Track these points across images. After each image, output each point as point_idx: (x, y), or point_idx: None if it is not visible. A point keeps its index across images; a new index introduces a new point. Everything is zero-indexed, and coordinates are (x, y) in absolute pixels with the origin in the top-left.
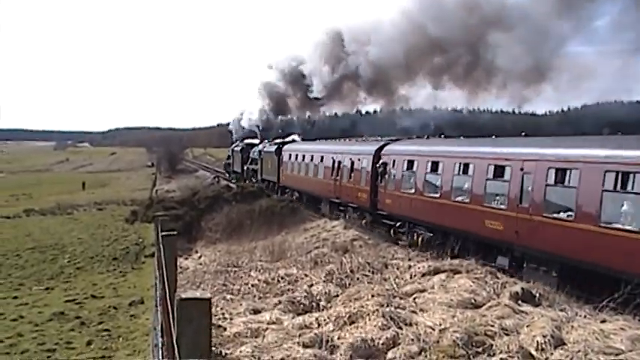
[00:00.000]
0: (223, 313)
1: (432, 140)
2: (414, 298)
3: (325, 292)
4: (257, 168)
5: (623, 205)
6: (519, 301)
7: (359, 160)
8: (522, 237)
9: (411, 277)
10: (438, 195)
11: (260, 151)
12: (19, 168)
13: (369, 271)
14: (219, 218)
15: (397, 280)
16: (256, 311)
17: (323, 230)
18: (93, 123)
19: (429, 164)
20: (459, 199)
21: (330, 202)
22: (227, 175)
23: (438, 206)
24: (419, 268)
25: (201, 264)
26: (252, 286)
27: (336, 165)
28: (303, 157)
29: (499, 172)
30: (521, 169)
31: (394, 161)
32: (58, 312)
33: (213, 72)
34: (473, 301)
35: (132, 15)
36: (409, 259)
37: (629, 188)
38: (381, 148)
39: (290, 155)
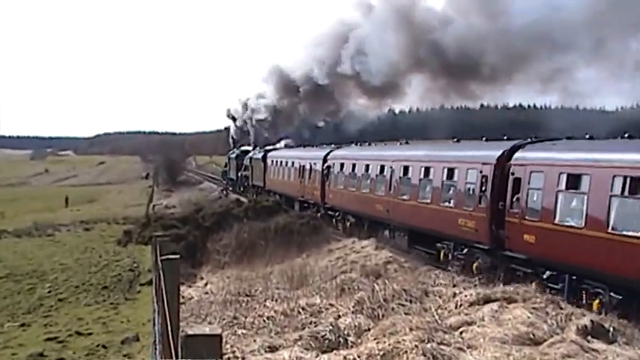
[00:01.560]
0: (234, 351)
1: (361, 147)
2: (461, 333)
3: (354, 326)
4: (249, 174)
5: None
6: (589, 337)
7: (315, 163)
8: None
9: (456, 307)
10: (354, 189)
11: (251, 158)
12: None
13: (406, 299)
14: (228, 238)
15: (440, 310)
16: (273, 348)
17: (351, 251)
18: (77, 127)
19: (351, 166)
20: (364, 191)
21: (299, 202)
22: (224, 182)
23: (354, 197)
24: (466, 296)
25: (207, 293)
26: (268, 318)
27: (301, 169)
28: (281, 162)
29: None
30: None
31: (334, 164)
32: (35, 353)
33: (220, 67)
34: (531, 336)
35: (122, 7)
36: (454, 285)
37: None
38: (328, 154)
39: (273, 161)
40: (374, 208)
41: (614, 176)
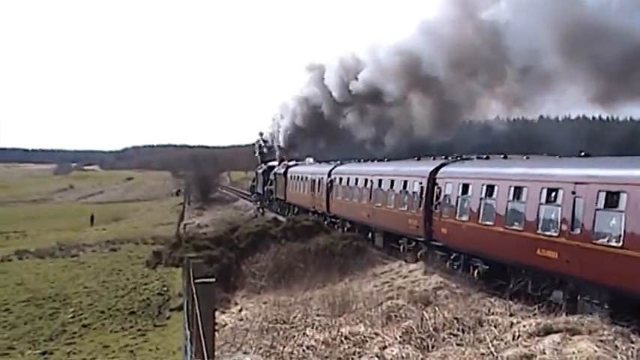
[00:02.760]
0: None
1: (358, 163)
2: None
3: (401, 357)
4: (273, 188)
5: None
6: None
7: (322, 178)
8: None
9: (514, 339)
10: (348, 199)
11: (275, 173)
12: (9, 197)
13: (458, 329)
14: (265, 261)
15: (496, 341)
16: None
17: (398, 276)
18: (104, 140)
19: (346, 179)
20: (355, 200)
21: (309, 212)
22: (252, 196)
23: (348, 206)
24: (524, 326)
25: (242, 319)
26: (308, 348)
27: (312, 183)
28: (299, 177)
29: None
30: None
31: (335, 178)
32: None
33: (256, 77)
34: None
35: (153, 14)
36: (510, 314)
37: None
38: (332, 169)
39: (292, 176)
40: (360, 214)
41: (482, 184)
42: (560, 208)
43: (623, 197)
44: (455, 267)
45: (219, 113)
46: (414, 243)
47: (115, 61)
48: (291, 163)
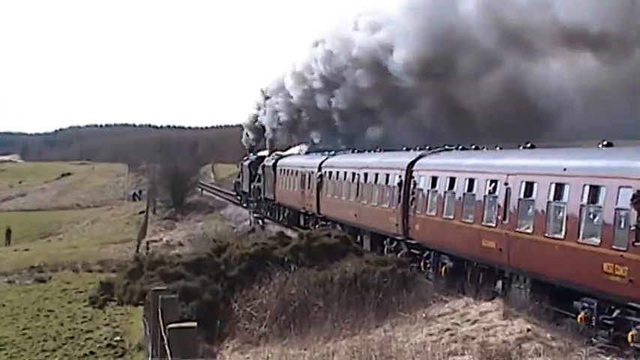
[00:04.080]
0: None
1: (352, 154)
2: None
3: None
4: (261, 185)
5: None
6: None
7: (312, 172)
8: None
9: None
10: (337, 197)
11: (264, 166)
12: None
13: None
14: (267, 296)
15: None
16: None
17: (463, 320)
18: (27, 119)
19: (336, 174)
20: (343, 198)
21: (299, 214)
22: (238, 196)
23: (337, 205)
24: None
25: None
26: None
27: (302, 178)
28: (288, 171)
29: None
30: None
31: (326, 173)
32: None
33: (246, 36)
34: None
35: None
36: None
37: None
38: (323, 162)
39: (281, 170)
40: (348, 214)
41: (447, 177)
42: (497, 199)
43: (535, 187)
44: (427, 267)
45: (199, 82)
46: (395, 243)
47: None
48: (285, 153)
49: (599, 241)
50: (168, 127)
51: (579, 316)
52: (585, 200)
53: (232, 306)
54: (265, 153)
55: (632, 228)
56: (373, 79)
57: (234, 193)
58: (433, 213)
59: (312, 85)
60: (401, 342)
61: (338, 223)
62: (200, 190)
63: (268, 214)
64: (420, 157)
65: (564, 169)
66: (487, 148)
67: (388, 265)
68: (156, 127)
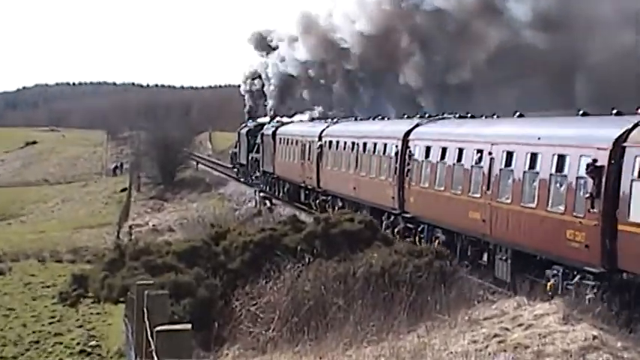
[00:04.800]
0: None
1: (358, 122)
2: None
3: None
4: (260, 157)
5: None
6: None
7: (312, 142)
8: None
9: None
10: (337, 169)
11: (262, 135)
12: None
13: None
14: (275, 293)
15: None
16: None
17: (514, 324)
18: None
19: (336, 143)
20: (343, 170)
21: (299, 188)
22: (234, 169)
23: (338, 178)
24: None
25: None
26: None
27: (303, 148)
28: (288, 140)
29: None
30: None
31: (326, 142)
32: None
33: None
34: None
35: None
36: None
37: None
38: (323, 130)
39: (281, 139)
40: (348, 187)
41: (440, 147)
42: (482, 170)
43: (514, 157)
44: (421, 240)
45: (193, 31)
46: (392, 218)
47: None
48: (287, 119)
49: (563, 208)
50: (156, 86)
51: (548, 284)
52: (554, 169)
53: (233, 305)
54: (265, 120)
55: (587, 196)
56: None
57: (231, 166)
58: (426, 185)
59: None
60: (438, 350)
61: (338, 198)
62: (195, 163)
63: (267, 189)
64: (417, 125)
65: (538, 138)
66: (486, 117)
67: (423, 257)
68: (141, 86)
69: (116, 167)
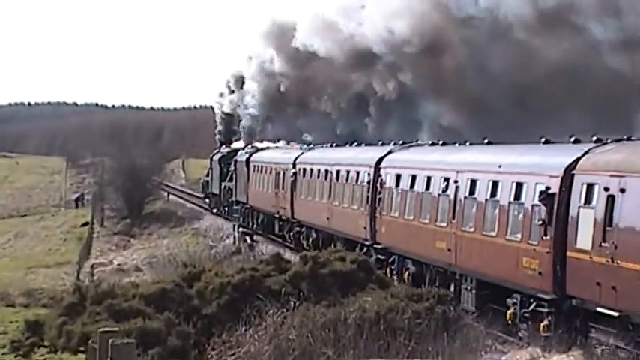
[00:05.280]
0: None
1: (334, 148)
2: None
3: None
4: (233, 186)
5: None
6: None
7: (286, 169)
8: None
9: None
10: (311, 198)
11: (236, 162)
12: None
13: None
14: (256, 342)
15: None
16: None
17: None
18: None
19: (310, 171)
20: (317, 199)
21: (273, 219)
22: (206, 200)
23: (311, 207)
24: None
25: None
26: None
27: (277, 176)
28: (262, 168)
29: None
30: None
31: (300, 170)
32: None
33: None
34: None
35: None
36: None
37: None
38: (297, 157)
39: (255, 167)
40: (321, 217)
41: (409, 175)
42: (448, 198)
43: (477, 185)
44: (393, 273)
45: (165, 47)
46: (365, 249)
47: None
48: (262, 145)
49: (520, 236)
50: (123, 107)
51: (508, 312)
52: (512, 197)
53: (208, 355)
54: (239, 145)
55: (540, 223)
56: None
57: (202, 196)
58: (397, 214)
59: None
60: None
61: (312, 230)
62: (166, 194)
63: (241, 220)
64: (390, 152)
65: (499, 166)
66: (460, 144)
67: (423, 301)
68: (105, 106)
69: (78, 198)
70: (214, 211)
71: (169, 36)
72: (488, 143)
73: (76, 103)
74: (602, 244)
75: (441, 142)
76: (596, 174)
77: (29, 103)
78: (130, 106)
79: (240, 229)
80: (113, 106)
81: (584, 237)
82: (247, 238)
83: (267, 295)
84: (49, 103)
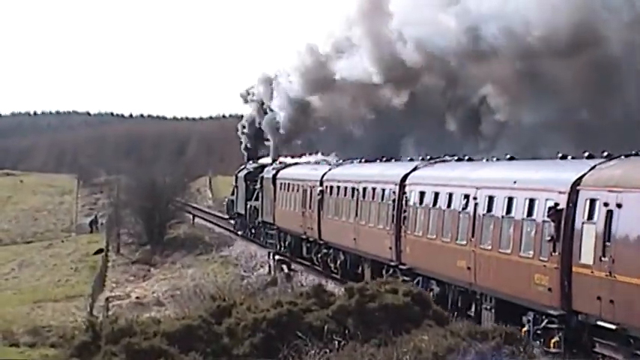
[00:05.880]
0: None
1: (362, 164)
2: None
3: None
4: (259, 205)
5: None
6: None
7: (313, 187)
8: None
9: None
10: (338, 218)
11: (262, 179)
12: None
13: None
14: None
15: None
16: None
17: None
18: None
19: (337, 189)
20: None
21: (301, 241)
22: (231, 221)
23: (339, 228)
24: None
25: None
26: None
27: (305, 194)
28: (289, 185)
29: None
30: None
31: (327, 187)
32: None
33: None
34: None
35: None
36: None
37: None
38: (325, 174)
39: (282, 184)
40: (349, 238)
41: (432, 192)
42: (467, 215)
43: (495, 201)
44: None
45: (188, 48)
46: (391, 271)
47: None
48: (290, 160)
49: (532, 253)
50: (142, 116)
51: (523, 330)
52: (525, 213)
53: None
54: (267, 160)
55: (549, 239)
56: None
57: (227, 217)
58: (420, 233)
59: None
60: None
61: (340, 252)
62: (191, 217)
63: (265, 242)
64: (415, 168)
65: (514, 182)
66: (491, 159)
67: (489, 340)
68: (121, 116)
69: (93, 222)
70: (240, 233)
71: (195, 38)
72: (511, 158)
73: (88, 113)
74: (602, 258)
75: (466, 158)
76: (597, 189)
77: (34, 113)
78: (149, 116)
79: (277, 257)
80: (130, 116)
81: (587, 252)
82: (284, 266)
83: (307, 333)
84: (57, 112)
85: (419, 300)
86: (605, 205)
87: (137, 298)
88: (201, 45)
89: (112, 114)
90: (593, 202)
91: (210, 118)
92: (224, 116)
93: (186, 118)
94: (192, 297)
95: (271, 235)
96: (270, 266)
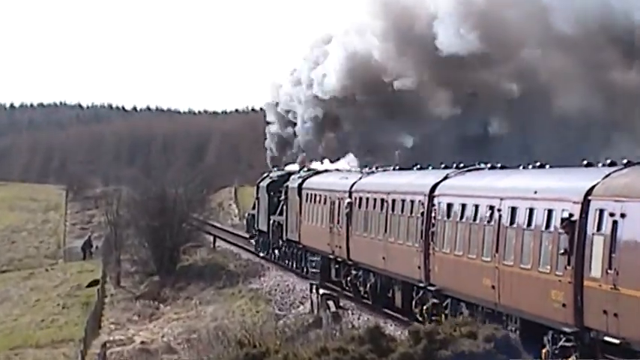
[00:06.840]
0: None
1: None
2: None
3: None
4: (283, 220)
5: None
6: None
7: (341, 199)
8: None
9: None
10: (367, 235)
11: (287, 189)
12: None
13: None
14: None
15: None
16: None
17: None
18: None
19: (366, 201)
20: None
21: (329, 261)
22: (251, 239)
23: (368, 246)
24: None
25: None
26: None
27: (332, 206)
28: (314, 197)
29: None
30: None
31: (356, 199)
32: None
33: None
34: None
35: None
36: None
37: None
38: (354, 184)
39: (307, 195)
40: (378, 257)
41: (460, 203)
42: (492, 229)
43: (517, 212)
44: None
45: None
46: (421, 293)
47: None
48: (321, 166)
49: (549, 268)
50: (148, 110)
51: (543, 351)
52: (544, 225)
53: None
54: (294, 168)
55: (562, 252)
56: None
57: (248, 236)
58: (448, 250)
59: None
60: None
61: (371, 273)
62: (212, 239)
63: (293, 265)
64: (446, 177)
65: (535, 192)
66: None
67: None
68: (122, 109)
69: (86, 245)
70: (261, 255)
71: (215, 13)
72: (541, 166)
73: (80, 106)
74: (608, 271)
75: (499, 165)
76: (605, 199)
77: (11, 106)
78: (158, 110)
79: (321, 291)
80: (134, 110)
81: (596, 265)
82: (331, 303)
83: None
84: (42, 105)
85: (502, 345)
86: (611, 215)
87: (142, 343)
88: (222, 20)
89: (110, 107)
90: (602, 212)
91: (236, 111)
92: (253, 110)
93: (206, 112)
94: (214, 342)
95: (297, 255)
96: (312, 302)
